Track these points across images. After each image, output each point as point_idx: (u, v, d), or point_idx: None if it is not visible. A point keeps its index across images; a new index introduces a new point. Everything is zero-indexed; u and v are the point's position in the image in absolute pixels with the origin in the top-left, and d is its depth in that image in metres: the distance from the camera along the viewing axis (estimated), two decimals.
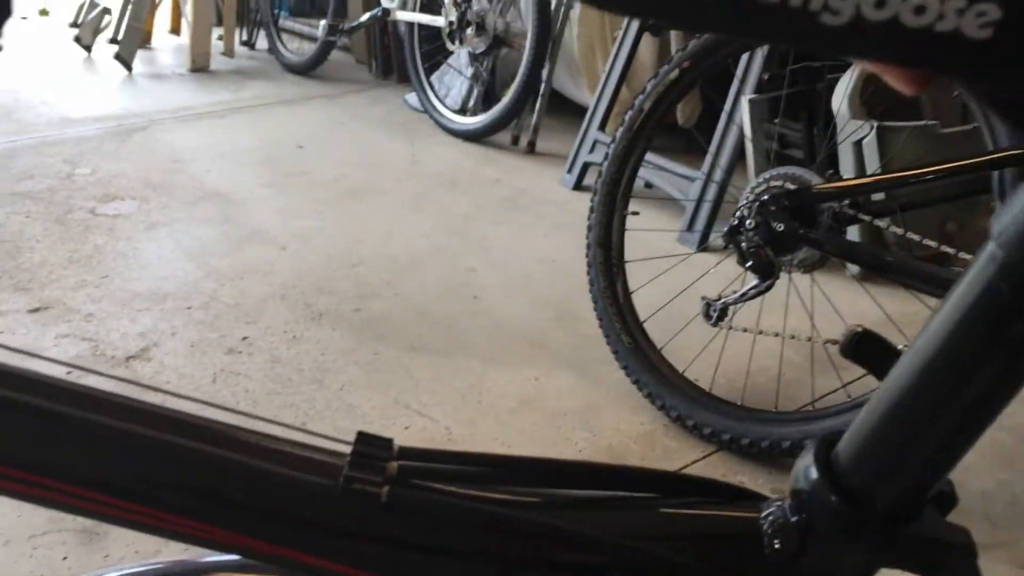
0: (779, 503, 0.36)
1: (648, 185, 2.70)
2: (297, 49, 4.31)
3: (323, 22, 3.97)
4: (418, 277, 2.26)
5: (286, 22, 4.55)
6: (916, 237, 1.48)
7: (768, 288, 1.60)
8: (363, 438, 0.32)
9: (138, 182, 2.75)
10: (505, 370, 1.87)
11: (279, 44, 4.34)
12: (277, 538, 0.31)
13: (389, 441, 0.32)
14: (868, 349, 0.38)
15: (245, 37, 4.71)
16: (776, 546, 0.34)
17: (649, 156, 2.56)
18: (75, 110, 3.45)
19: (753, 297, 1.62)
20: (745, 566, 0.34)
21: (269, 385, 1.76)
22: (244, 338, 1.92)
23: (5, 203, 2.51)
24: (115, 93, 3.75)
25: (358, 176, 2.95)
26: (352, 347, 1.92)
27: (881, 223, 1.54)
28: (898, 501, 0.36)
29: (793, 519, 0.35)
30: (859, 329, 0.38)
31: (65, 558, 1.32)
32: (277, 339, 1.93)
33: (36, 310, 1.96)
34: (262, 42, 4.62)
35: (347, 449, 0.32)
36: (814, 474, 0.35)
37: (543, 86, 3.21)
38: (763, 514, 0.36)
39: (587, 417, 1.73)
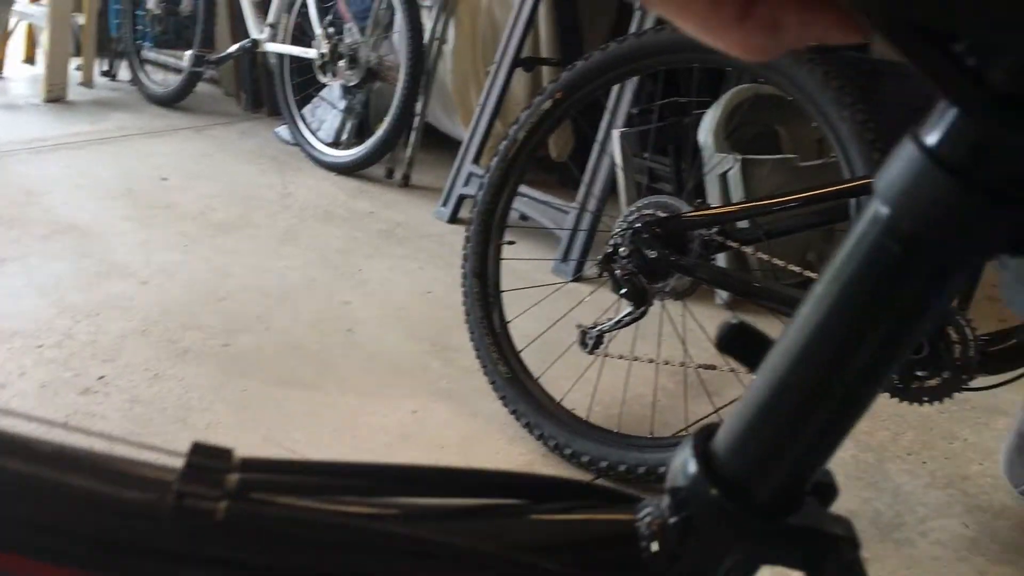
0: (656, 502, 0.34)
1: (523, 217, 2.71)
2: (162, 80, 4.16)
3: (188, 52, 3.85)
4: (290, 311, 2.19)
5: (150, 53, 4.39)
6: (780, 263, 1.52)
7: (642, 315, 1.62)
8: (198, 449, 0.28)
9: None
10: (381, 404, 1.83)
11: (142, 75, 4.18)
12: (94, 565, 0.27)
13: (228, 451, 0.28)
14: (743, 341, 0.37)
15: (106, 68, 4.52)
16: (654, 548, 0.33)
17: (524, 188, 2.59)
18: None
19: (627, 324, 1.64)
20: (621, 571, 0.32)
21: (128, 426, 1.66)
22: (100, 377, 1.80)
23: None
24: None
25: (227, 209, 2.85)
26: (219, 383, 1.83)
27: (748, 250, 1.59)
28: (778, 492, 0.35)
29: (671, 518, 0.33)
30: (735, 321, 0.37)
31: None
32: (137, 377, 1.82)
33: None
34: (125, 73, 4.43)
35: (180, 462, 0.28)
36: (692, 468, 0.34)
37: (417, 120, 3.19)
38: (639, 515, 0.34)
39: (465, 449, 1.70)
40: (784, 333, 0.34)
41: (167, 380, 1.83)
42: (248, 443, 1.64)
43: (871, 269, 0.31)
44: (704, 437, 0.35)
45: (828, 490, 0.37)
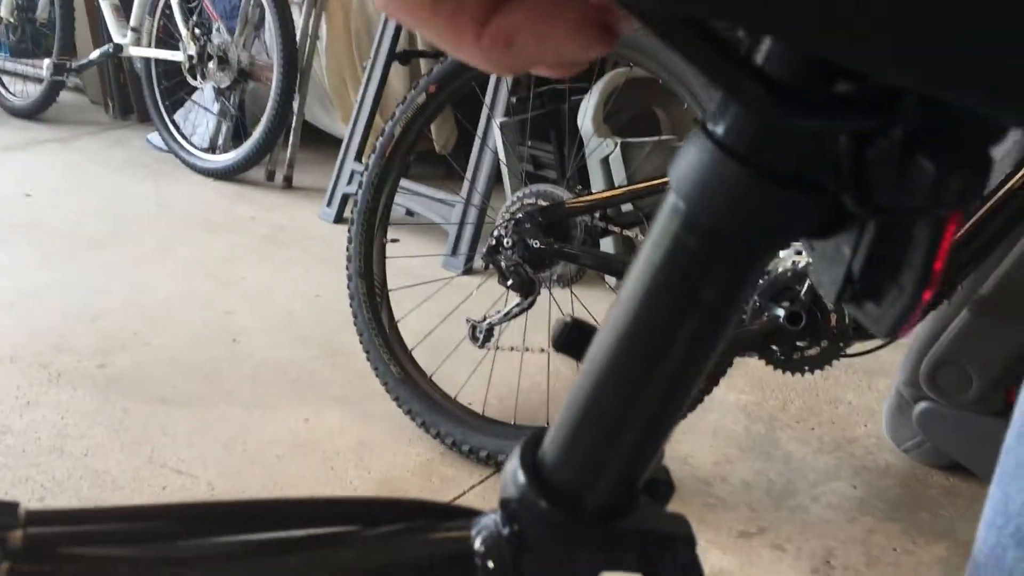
0: (492, 516, 0.33)
1: (410, 213, 2.67)
2: (21, 92, 3.95)
3: (47, 61, 3.66)
4: (170, 325, 2.10)
5: (6, 63, 4.17)
6: None
7: (530, 305, 1.61)
8: None
9: None
10: (272, 414, 1.77)
11: None
12: None
13: (14, 506, 0.25)
14: (578, 338, 0.35)
15: None
16: (490, 565, 0.31)
17: (408, 183, 2.56)
18: None
19: (517, 315, 1.63)
20: None
21: None
22: None
23: None
24: None
25: (99, 223, 2.72)
26: (97, 407, 1.74)
27: (630, 233, 1.59)
28: (610, 495, 0.33)
29: (505, 532, 0.32)
30: (568, 319, 0.36)
31: None
32: (7, 407, 1.72)
33: None
34: None
35: None
36: (521, 478, 0.32)
37: (295, 119, 3.12)
38: (474, 531, 0.32)
39: (361, 454, 1.67)
40: (600, 330, 0.33)
41: (40, 407, 1.73)
42: (130, 467, 1.57)
43: (673, 265, 0.30)
44: (533, 444, 0.34)
45: (663, 487, 0.36)
